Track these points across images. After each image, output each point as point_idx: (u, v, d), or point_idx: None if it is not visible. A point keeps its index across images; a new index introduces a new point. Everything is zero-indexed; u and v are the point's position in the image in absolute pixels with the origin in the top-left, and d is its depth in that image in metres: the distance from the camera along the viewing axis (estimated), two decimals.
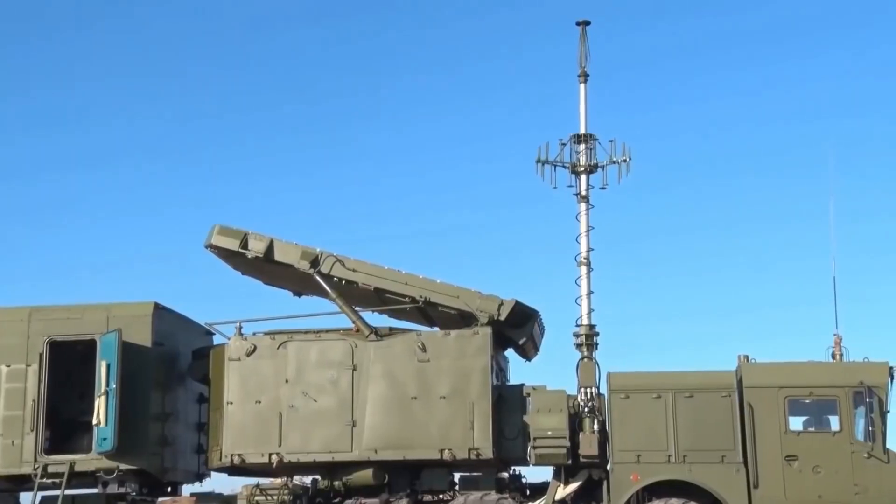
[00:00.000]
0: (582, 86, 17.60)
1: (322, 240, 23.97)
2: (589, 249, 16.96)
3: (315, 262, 16.45)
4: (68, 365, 16.79)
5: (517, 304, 16.24)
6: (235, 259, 17.16)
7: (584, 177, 17.20)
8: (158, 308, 16.80)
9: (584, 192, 17.14)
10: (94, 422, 15.96)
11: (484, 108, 40.00)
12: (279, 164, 40.24)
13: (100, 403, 15.89)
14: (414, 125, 41.20)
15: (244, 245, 16.64)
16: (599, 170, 17.19)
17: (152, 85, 40.54)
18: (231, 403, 15.95)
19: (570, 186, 17.19)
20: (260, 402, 15.88)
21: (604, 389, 16.12)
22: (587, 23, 17.78)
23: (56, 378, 16.52)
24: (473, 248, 38.17)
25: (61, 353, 16.56)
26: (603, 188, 17.17)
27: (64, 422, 16.85)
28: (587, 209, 17.08)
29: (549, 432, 15.63)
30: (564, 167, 17.22)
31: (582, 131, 17.39)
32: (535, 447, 15.71)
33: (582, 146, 17.29)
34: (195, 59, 41.67)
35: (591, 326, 16.72)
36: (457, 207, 39.44)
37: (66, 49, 40.54)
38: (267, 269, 17.16)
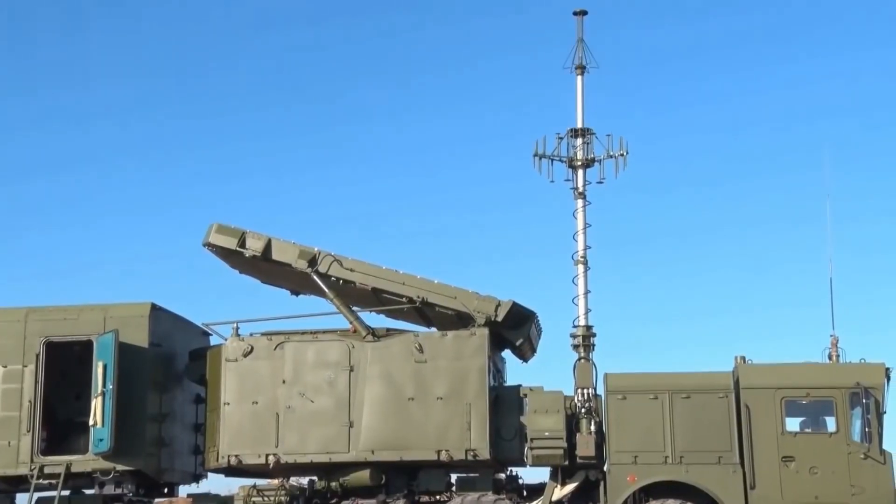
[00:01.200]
0: (579, 78, 17.55)
1: (320, 240, 23.90)
2: (586, 247, 16.94)
3: (313, 262, 16.41)
4: (65, 365, 16.74)
5: (514, 305, 16.20)
6: (233, 258, 17.13)
7: (581, 171, 17.15)
8: (155, 309, 16.75)
9: (580, 188, 17.09)
10: (91, 423, 15.91)
11: (481, 108, 40.06)
12: (277, 164, 40.23)
13: (96, 404, 15.82)
14: (411, 126, 41.17)
15: (242, 244, 16.61)
16: (596, 164, 17.15)
17: (150, 85, 40.51)
18: (228, 404, 15.92)
19: (568, 180, 17.21)
20: (257, 402, 15.84)
21: (601, 390, 16.11)
22: (584, 12, 17.71)
23: (52, 379, 16.48)
24: (471, 248, 38.26)
25: (58, 353, 16.52)
26: (600, 182, 17.18)
27: (60, 422, 16.82)
28: (584, 206, 17.05)
29: (546, 433, 15.60)
30: (562, 161, 17.19)
31: (579, 125, 17.34)
32: (531, 448, 15.68)
33: (579, 140, 17.23)
34: (193, 59, 41.62)
35: (589, 327, 16.72)
36: (455, 208, 39.47)
37: (65, 49, 40.45)
38: (265, 268, 17.13)
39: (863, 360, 15.83)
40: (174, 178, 40.67)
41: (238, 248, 16.65)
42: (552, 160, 17.14)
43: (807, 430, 15.63)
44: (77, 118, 40.04)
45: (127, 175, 39.64)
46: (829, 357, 16.13)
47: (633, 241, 34.47)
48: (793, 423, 15.63)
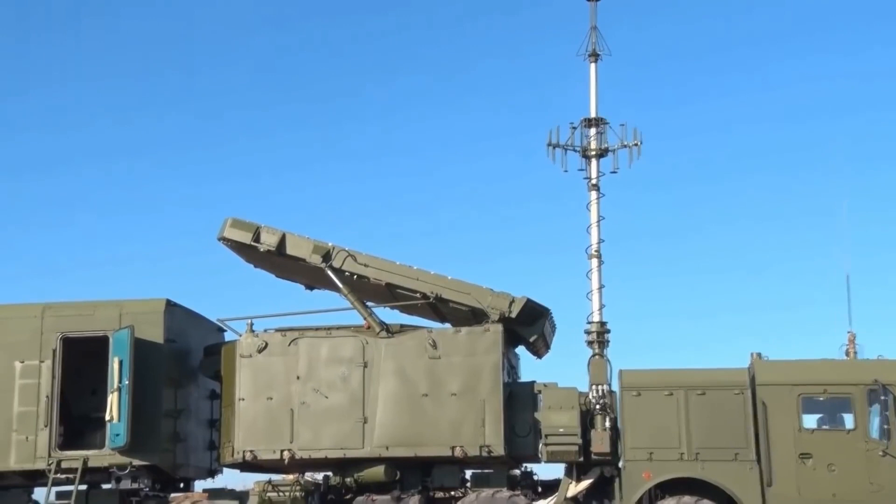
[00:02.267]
0: (592, 66, 17.34)
1: (334, 235, 23.79)
2: (600, 241, 16.77)
3: (327, 257, 16.38)
4: (81, 361, 16.78)
5: (528, 301, 16.11)
6: (248, 252, 17.13)
7: (594, 161, 16.99)
8: (170, 305, 16.75)
9: (594, 179, 16.93)
10: (107, 418, 15.99)
11: (494, 104, 39.73)
12: (291, 161, 40.28)
13: (112, 399, 15.90)
14: (420, 121, 40.93)
15: (256, 238, 16.62)
16: (610, 154, 17.00)
17: (157, 83, 40.48)
18: (243, 400, 15.97)
19: (581, 170, 17.08)
20: (271, 398, 15.90)
21: (615, 387, 15.98)
22: None
23: (69, 374, 16.53)
24: (485, 244, 38.00)
25: (74, 349, 16.56)
26: (613, 172, 17.01)
27: (77, 418, 16.89)
28: (598, 198, 16.89)
29: (561, 429, 15.56)
30: (575, 151, 17.05)
31: (592, 114, 17.17)
32: (546, 444, 15.63)
33: (592, 130, 17.08)
34: (205, 56, 41.65)
35: (603, 323, 16.54)
36: (467, 203, 39.29)
37: (70, 46, 40.47)
38: (279, 262, 17.12)
39: (881, 357, 15.63)
40: (187, 175, 40.77)
41: (252, 243, 16.65)
42: (566, 150, 17.00)
43: (824, 427, 15.45)
44: (86, 115, 40.16)
45: (140, 171, 39.84)
46: (847, 353, 15.96)
47: (646, 235, 34.19)
48: (810, 420, 15.45)
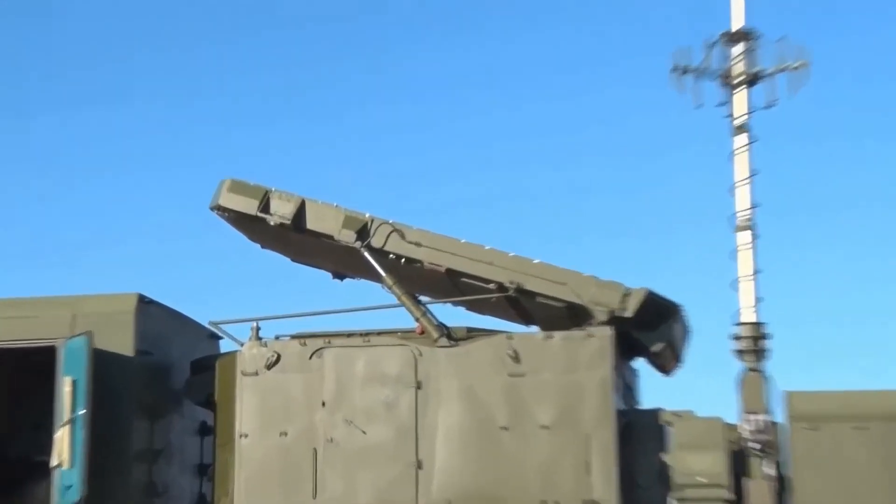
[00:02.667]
0: None
1: (371, 204, 19.74)
2: (753, 206, 13.26)
3: (363, 233, 13.48)
4: (20, 383, 14.04)
5: (650, 294, 12.80)
6: (252, 226, 14.23)
7: (742, 92, 13.49)
8: (144, 303, 13.75)
9: (741, 117, 13.37)
10: (55, 463, 12.89)
11: (591, 17, 33.46)
12: (308, 104, 35.01)
13: (62, 437, 12.81)
14: (485, 46, 34.42)
15: (265, 207, 13.72)
16: (763, 82, 13.65)
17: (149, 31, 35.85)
18: (246, 436, 12.94)
19: (722, 104, 13.65)
20: (286, 433, 12.88)
21: (780, 416, 12.68)
22: None
23: (3, 401, 13.99)
24: (579, 215, 31.86)
25: (11, 365, 13.80)
26: (769, 106, 13.58)
27: (13, 462, 14.11)
28: (748, 144, 13.37)
29: (702, 478, 12.53)
30: (713, 78, 13.85)
31: (737, 27, 13.73)
32: (681, 500, 12.49)
33: (738, 47, 13.71)
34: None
35: (759, 325, 13.13)
36: (555, 157, 32.88)
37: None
38: (296, 240, 14.24)
39: None
40: (179, 126, 35.58)
41: (260, 214, 13.73)
42: (699, 75, 13.78)
43: None
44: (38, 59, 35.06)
45: (103, 123, 34.18)
46: None
47: (817, 200, 28.37)
48: None
